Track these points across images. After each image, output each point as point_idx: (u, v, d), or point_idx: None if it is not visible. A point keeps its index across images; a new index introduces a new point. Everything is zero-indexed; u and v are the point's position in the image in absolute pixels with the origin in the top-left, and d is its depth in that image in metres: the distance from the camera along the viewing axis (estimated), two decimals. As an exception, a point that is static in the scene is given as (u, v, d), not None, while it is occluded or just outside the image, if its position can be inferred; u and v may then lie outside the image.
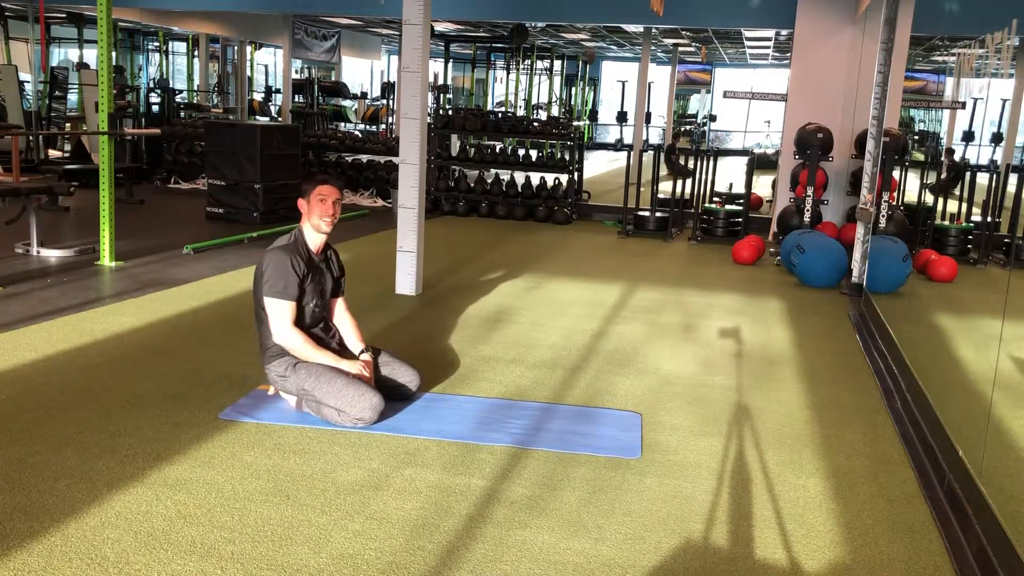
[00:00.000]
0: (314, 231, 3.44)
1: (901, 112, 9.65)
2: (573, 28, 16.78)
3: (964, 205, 8.49)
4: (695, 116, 25.49)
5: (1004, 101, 12.05)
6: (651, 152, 14.65)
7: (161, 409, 3.35)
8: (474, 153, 10.68)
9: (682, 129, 22.65)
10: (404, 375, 3.57)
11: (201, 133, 10.01)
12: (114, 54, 10.00)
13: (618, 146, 22.27)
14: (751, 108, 24.66)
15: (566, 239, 8.55)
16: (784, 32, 14.39)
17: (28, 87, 13.42)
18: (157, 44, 17.18)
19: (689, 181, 9.67)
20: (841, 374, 4.36)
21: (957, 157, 10.70)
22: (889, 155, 6.97)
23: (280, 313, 3.31)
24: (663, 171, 14.72)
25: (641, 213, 9.08)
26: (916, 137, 12.15)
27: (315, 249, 3.47)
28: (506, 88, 18.82)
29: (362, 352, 3.53)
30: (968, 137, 12.64)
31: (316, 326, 3.50)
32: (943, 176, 9.15)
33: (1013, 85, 10.48)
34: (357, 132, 15.81)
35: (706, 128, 21.94)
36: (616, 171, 15.87)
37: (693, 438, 3.36)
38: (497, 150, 11.10)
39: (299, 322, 3.38)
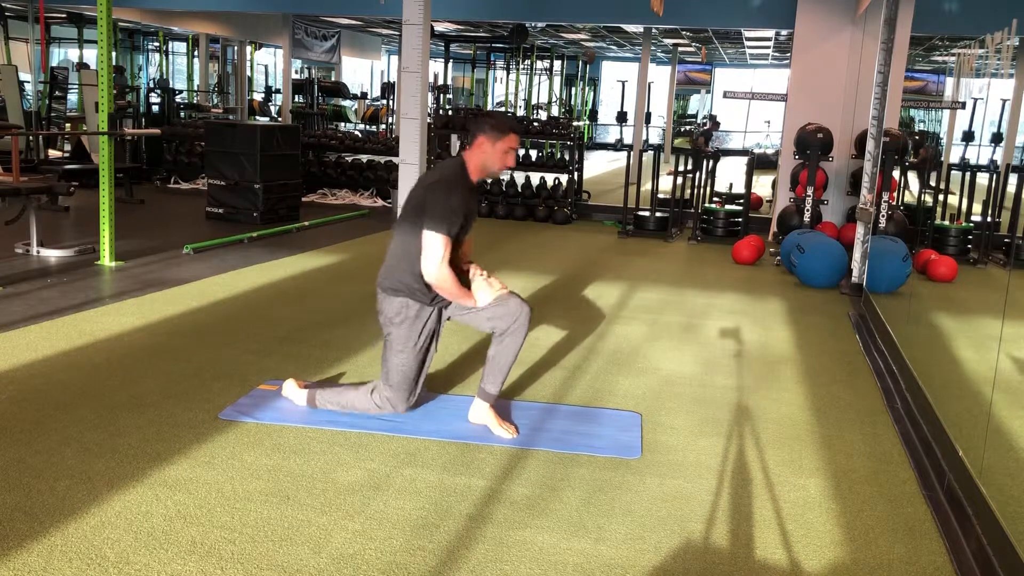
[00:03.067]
0: (481, 173, 3.28)
1: (901, 112, 9.65)
2: (573, 28, 16.78)
3: (964, 205, 8.49)
4: (695, 116, 25.50)
5: (1004, 101, 12.06)
6: (651, 152, 14.69)
7: (161, 409, 3.35)
8: (474, 153, 10.66)
9: (703, 129, 22.57)
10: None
11: (201, 133, 10.01)
12: (114, 54, 10.00)
13: (618, 146, 22.28)
14: (751, 108, 24.67)
15: (566, 239, 8.55)
16: (784, 32, 14.39)
17: (28, 87, 13.42)
18: (157, 44, 17.18)
19: (689, 181, 9.66)
20: (841, 374, 4.36)
21: (956, 158, 10.71)
22: (889, 155, 6.97)
23: (438, 248, 3.15)
24: (663, 171, 14.73)
25: (641, 213, 9.08)
26: (916, 137, 12.16)
27: (474, 179, 3.31)
28: (506, 88, 18.81)
29: (471, 272, 3.39)
30: (968, 137, 12.65)
31: (455, 256, 3.35)
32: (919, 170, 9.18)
33: (1013, 85, 10.48)
34: (357, 132, 15.81)
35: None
36: (616, 171, 15.88)
37: (693, 438, 3.36)
38: (497, 150, 11.06)
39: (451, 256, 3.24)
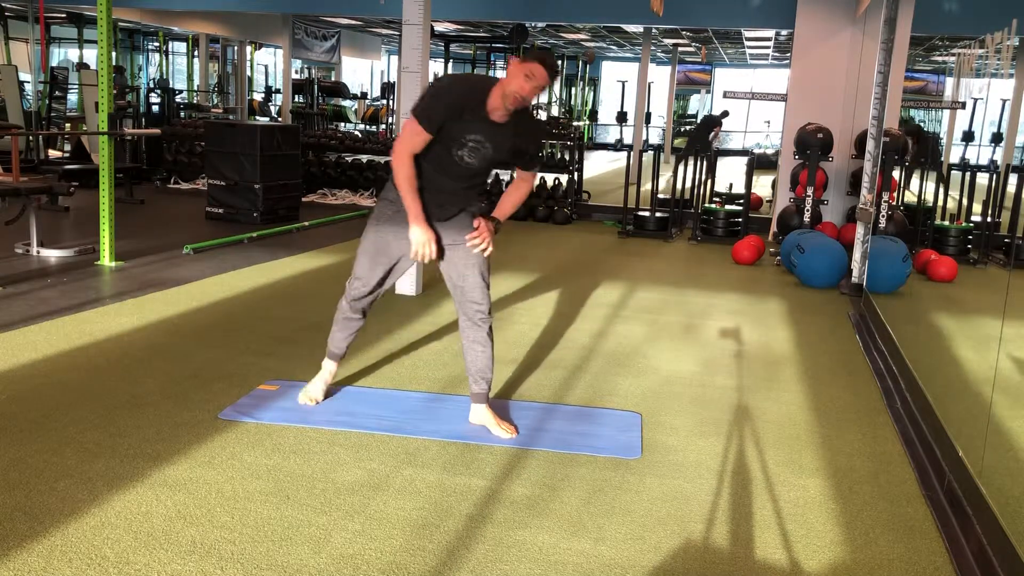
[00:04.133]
0: (503, 95, 3.06)
1: (901, 112, 9.65)
2: (573, 28, 16.79)
3: (964, 205, 8.49)
4: (695, 116, 25.49)
5: (1004, 101, 12.05)
6: (651, 152, 14.70)
7: (161, 409, 3.35)
8: (474, 153, 10.66)
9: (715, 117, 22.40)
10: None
11: (201, 133, 10.01)
12: (114, 54, 10.00)
13: (618, 146, 22.28)
14: (751, 108, 24.66)
15: (566, 239, 8.55)
16: (784, 32, 14.39)
17: (28, 87, 13.42)
18: (157, 44, 17.19)
19: (688, 181, 9.66)
20: (841, 374, 4.36)
21: (956, 158, 10.70)
22: (889, 155, 6.97)
23: (405, 129, 3.09)
24: (662, 171, 14.73)
25: (641, 213, 9.08)
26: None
27: (494, 106, 3.09)
28: (506, 88, 18.80)
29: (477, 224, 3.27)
30: (968, 137, 12.65)
31: (459, 181, 3.25)
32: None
33: (1013, 85, 10.48)
34: (357, 132, 15.81)
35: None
36: (616, 171, 15.88)
37: (693, 438, 3.36)
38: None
39: (434, 160, 3.13)
